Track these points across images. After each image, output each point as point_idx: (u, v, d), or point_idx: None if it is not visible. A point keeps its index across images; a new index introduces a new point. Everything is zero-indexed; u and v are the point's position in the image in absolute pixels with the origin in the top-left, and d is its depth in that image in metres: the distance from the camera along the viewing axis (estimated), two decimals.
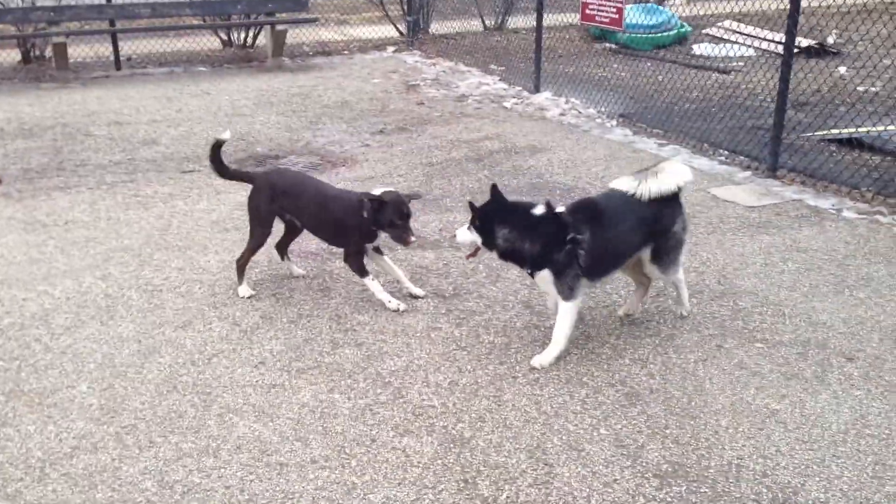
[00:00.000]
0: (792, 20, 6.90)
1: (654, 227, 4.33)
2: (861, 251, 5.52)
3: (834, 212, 6.24)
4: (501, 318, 4.71)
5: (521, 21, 13.75)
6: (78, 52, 12.55)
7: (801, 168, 7.08)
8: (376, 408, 3.85)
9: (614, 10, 9.12)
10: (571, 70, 11.35)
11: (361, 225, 4.66)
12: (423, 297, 4.93)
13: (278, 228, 5.07)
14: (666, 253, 4.40)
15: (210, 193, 6.87)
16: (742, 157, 7.56)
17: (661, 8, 13.71)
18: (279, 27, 12.60)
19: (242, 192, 5.37)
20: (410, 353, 4.34)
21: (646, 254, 4.39)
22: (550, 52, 11.60)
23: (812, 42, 11.91)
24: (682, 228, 4.42)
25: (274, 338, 4.49)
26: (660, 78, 10.20)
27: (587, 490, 3.29)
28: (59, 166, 7.63)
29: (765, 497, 3.23)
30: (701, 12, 14.82)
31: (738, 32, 13.34)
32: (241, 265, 5.03)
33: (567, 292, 4.16)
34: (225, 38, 13.88)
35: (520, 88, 10.73)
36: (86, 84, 11.32)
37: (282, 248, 5.24)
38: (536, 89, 10.44)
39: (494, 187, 4.27)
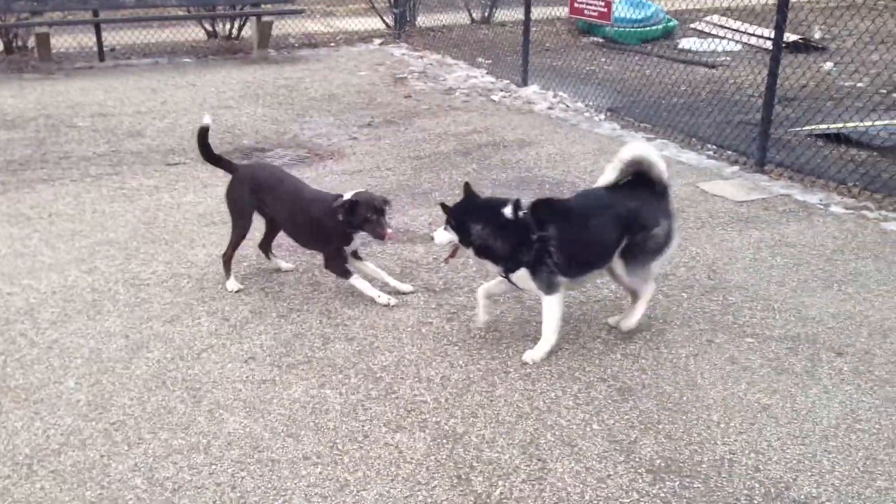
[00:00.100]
0: (781, 15, 6.91)
1: (630, 222, 4.19)
2: (849, 246, 5.54)
3: (821, 207, 6.26)
4: (492, 312, 4.69)
5: (508, 14, 13.71)
6: (61, 42, 12.41)
7: (789, 163, 7.10)
8: (368, 403, 3.83)
9: (603, 4, 9.12)
10: (559, 64, 11.34)
11: (337, 227, 4.66)
12: (411, 293, 4.90)
13: (260, 226, 5.06)
14: (636, 253, 4.22)
15: (196, 186, 6.81)
16: (730, 152, 7.58)
17: (647, 2, 13.71)
18: (265, 18, 12.52)
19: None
20: (402, 348, 4.32)
21: (618, 250, 4.25)
22: (537, 45, 11.58)
23: (798, 37, 11.95)
24: (665, 234, 4.24)
25: (264, 332, 4.46)
26: (647, 72, 10.21)
27: (581, 486, 3.29)
28: (42, 158, 7.55)
29: (757, 492, 3.24)
30: (687, 7, 14.82)
31: (724, 27, 13.37)
32: (227, 260, 5.00)
33: (546, 287, 4.17)
34: (210, 29, 13.77)
35: (507, 82, 10.71)
36: (69, 75, 11.20)
37: (265, 246, 5.21)
38: (524, 83, 10.42)
39: (467, 185, 4.31)
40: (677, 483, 3.30)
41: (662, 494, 3.24)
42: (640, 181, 4.31)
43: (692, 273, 5.14)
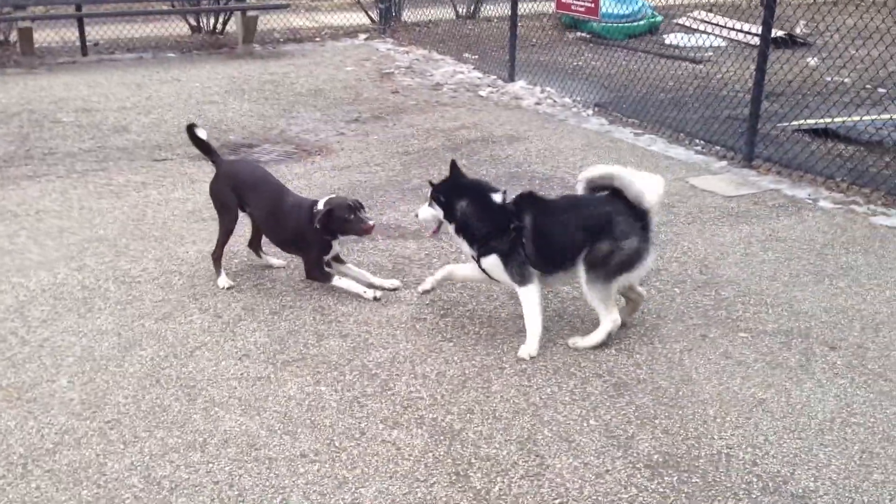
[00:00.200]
0: (768, 11, 6.94)
1: (597, 227, 4.09)
2: (839, 240, 5.57)
3: (810, 201, 6.30)
4: (486, 308, 4.69)
5: (494, 9, 13.69)
6: (43, 37, 12.27)
7: (777, 158, 7.13)
8: (364, 400, 3.81)
9: None
10: (545, 59, 11.34)
11: (316, 236, 4.68)
12: (399, 289, 4.89)
13: (248, 224, 5.06)
14: (597, 263, 4.09)
15: (184, 182, 6.76)
16: (718, 147, 7.60)
17: None
18: (250, 13, 12.44)
19: None
20: (396, 344, 4.30)
21: (582, 254, 4.15)
22: (523, 40, 11.56)
23: (781, 32, 12.00)
24: (633, 252, 4.06)
25: (257, 330, 4.43)
26: (633, 67, 10.22)
27: (579, 481, 3.29)
28: (27, 154, 7.47)
29: (755, 486, 3.25)
30: (672, 2, 14.87)
31: (708, 23, 13.41)
32: (217, 257, 4.96)
33: (518, 278, 4.21)
34: (194, 23, 13.67)
35: (494, 77, 10.70)
36: (52, 70, 11.09)
37: (254, 244, 5.18)
38: (511, 78, 10.41)
39: (454, 163, 4.40)
40: (675, 478, 3.30)
41: (661, 489, 3.24)
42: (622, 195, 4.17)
43: (684, 268, 5.16)
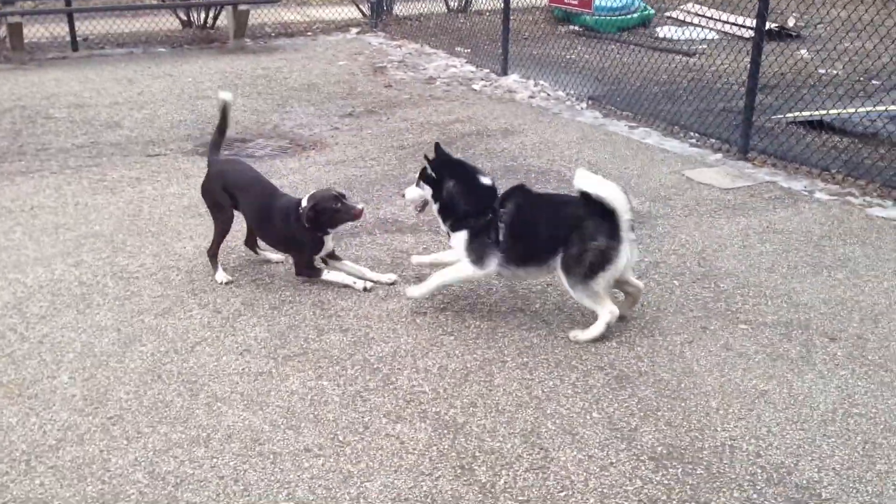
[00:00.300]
0: (763, 3, 6.95)
1: (568, 231, 4.16)
2: (836, 232, 5.59)
3: (806, 193, 6.32)
4: (486, 301, 4.69)
5: (485, 3, 13.67)
6: (33, 32, 12.20)
7: (772, 150, 7.15)
8: (366, 394, 3.80)
9: None
10: (538, 52, 11.33)
11: (307, 234, 4.69)
12: (397, 283, 4.88)
13: (243, 223, 5.06)
14: (571, 264, 4.16)
15: (179, 178, 6.73)
16: (713, 140, 7.61)
17: None
18: (241, 7, 12.36)
19: None
20: (397, 338, 4.29)
21: (558, 258, 4.22)
22: (516, 34, 11.55)
23: (773, 25, 12.02)
24: (603, 252, 4.09)
25: (257, 325, 4.42)
26: (626, 60, 10.23)
27: (584, 474, 3.29)
28: (19, 150, 7.42)
29: (760, 477, 3.26)
30: None
31: (700, 15, 13.43)
32: (212, 254, 4.95)
33: (473, 256, 4.34)
34: (184, 18, 13.60)
35: (487, 71, 10.69)
36: (42, 65, 11.02)
37: (250, 243, 5.18)
38: (504, 72, 10.40)
39: (438, 146, 4.58)
40: (680, 470, 3.31)
41: (666, 481, 3.25)
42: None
43: (683, 261, 5.17)
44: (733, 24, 12.43)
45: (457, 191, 4.40)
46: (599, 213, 4.10)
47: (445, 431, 3.54)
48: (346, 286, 4.80)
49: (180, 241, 5.46)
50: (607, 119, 8.53)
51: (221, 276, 4.91)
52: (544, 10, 13.79)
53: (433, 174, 4.48)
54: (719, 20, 12.93)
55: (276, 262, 5.15)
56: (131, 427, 3.55)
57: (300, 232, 4.68)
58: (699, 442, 3.47)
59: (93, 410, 3.66)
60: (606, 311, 4.20)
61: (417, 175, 4.59)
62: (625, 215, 4.09)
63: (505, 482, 3.24)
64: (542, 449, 3.43)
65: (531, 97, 9.42)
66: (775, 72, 7.78)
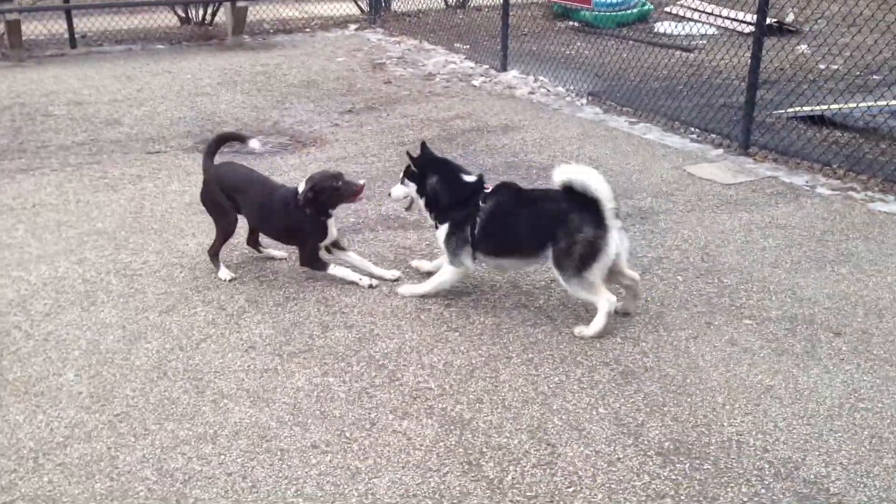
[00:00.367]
0: None
1: (556, 224, 4.19)
2: (838, 227, 5.60)
3: (808, 188, 6.32)
4: (490, 298, 4.69)
5: None
6: (31, 29, 12.15)
7: (773, 146, 7.16)
8: (372, 391, 3.81)
9: None
10: (537, 48, 11.33)
11: (311, 221, 4.68)
12: (401, 279, 4.88)
13: (244, 223, 5.06)
14: (562, 258, 4.19)
15: (180, 175, 6.72)
16: (713, 135, 7.61)
17: None
18: (239, 3, 12.33)
19: None
20: (402, 334, 4.30)
21: (549, 255, 4.27)
22: (515, 30, 11.52)
23: (771, 20, 12.02)
24: (590, 243, 4.11)
25: (262, 322, 4.42)
26: (625, 56, 10.21)
27: (591, 469, 3.29)
28: (19, 148, 7.40)
29: (767, 472, 3.27)
30: None
31: (699, 11, 13.42)
32: (213, 254, 4.95)
33: (451, 254, 4.53)
34: (183, 14, 13.55)
35: (487, 67, 10.68)
36: (41, 62, 10.99)
37: (252, 242, 5.18)
38: (504, 68, 10.39)
39: (423, 144, 4.69)
40: (687, 465, 3.32)
41: (674, 476, 3.25)
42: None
43: (686, 256, 5.17)
44: (732, 19, 12.43)
45: (440, 185, 4.53)
46: (583, 205, 4.12)
47: (452, 427, 3.55)
48: (351, 283, 4.79)
49: (183, 238, 5.46)
50: (608, 115, 8.53)
51: (224, 273, 4.90)
52: (543, 6, 13.79)
53: (416, 170, 4.60)
54: (718, 15, 12.93)
55: (280, 259, 5.14)
56: (138, 424, 3.55)
57: (301, 219, 4.66)
58: (706, 437, 3.48)
59: (99, 407, 3.66)
60: (604, 301, 4.21)
61: (402, 173, 4.69)
62: (608, 203, 4.11)
63: (512, 478, 3.25)
64: (549, 445, 3.44)
65: (531, 93, 9.42)
66: (775, 67, 7.78)
